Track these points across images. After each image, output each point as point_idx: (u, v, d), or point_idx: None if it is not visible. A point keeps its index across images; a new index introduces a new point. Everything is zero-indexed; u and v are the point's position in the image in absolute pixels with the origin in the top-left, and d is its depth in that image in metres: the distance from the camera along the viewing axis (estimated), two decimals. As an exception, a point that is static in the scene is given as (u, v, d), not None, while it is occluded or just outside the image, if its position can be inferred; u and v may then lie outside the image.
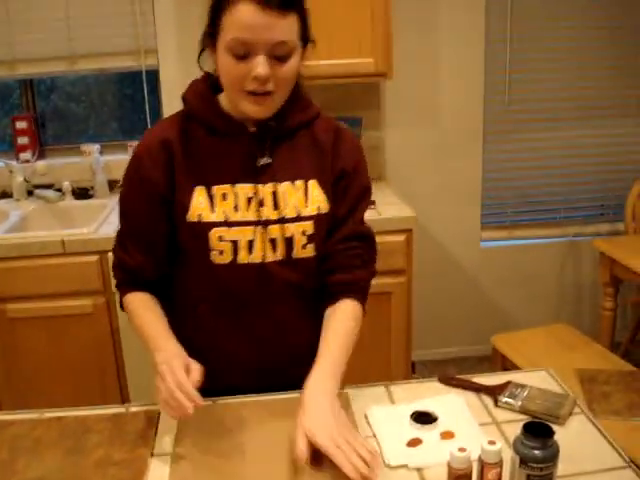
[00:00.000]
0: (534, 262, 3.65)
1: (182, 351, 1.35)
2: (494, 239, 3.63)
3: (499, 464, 1.08)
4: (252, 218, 1.39)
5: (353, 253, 1.50)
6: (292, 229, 1.41)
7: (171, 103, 3.13)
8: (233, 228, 1.39)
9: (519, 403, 1.38)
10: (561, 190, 3.63)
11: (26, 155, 3.22)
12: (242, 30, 1.26)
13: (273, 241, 1.41)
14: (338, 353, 1.39)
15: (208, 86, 1.45)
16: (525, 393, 1.42)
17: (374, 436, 1.31)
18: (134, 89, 3.44)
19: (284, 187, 1.42)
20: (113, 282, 2.64)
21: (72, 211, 3.03)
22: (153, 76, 3.20)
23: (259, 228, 1.40)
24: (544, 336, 2.89)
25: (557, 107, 3.48)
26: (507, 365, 2.72)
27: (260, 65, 1.28)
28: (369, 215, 2.64)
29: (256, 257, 1.40)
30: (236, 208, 1.39)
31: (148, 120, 3.24)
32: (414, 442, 1.27)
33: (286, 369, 1.47)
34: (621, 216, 3.44)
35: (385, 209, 2.78)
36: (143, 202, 1.44)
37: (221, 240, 1.38)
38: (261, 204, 1.40)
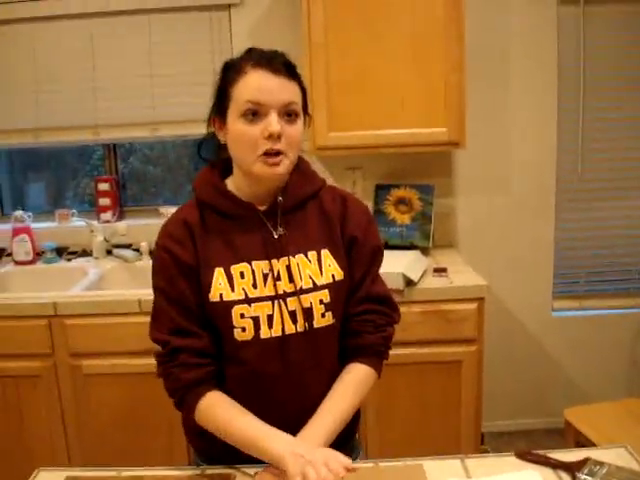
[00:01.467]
0: (607, 333, 3.56)
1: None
2: (566, 309, 3.56)
3: None
4: (270, 293, 1.45)
5: (365, 318, 1.54)
6: (309, 299, 1.46)
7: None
8: (253, 304, 1.43)
9: (599, 482, 1.35)
10: (636, 260, 3.56)
11: (107, 215, 3.34)
12: (256, 92, 1.38)
13: (292, 313, 1.45)
14: (332, 418, 1.45)
15: (215, 173, 1.54)
16: (604, 470, 1.38)
17: (450, 510, 1.29)
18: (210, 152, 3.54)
19: (297, 259, 1.47)
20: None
21: (149, 271, 3.09)
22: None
23: (277, 302, 1.44)
24: (618, 410, 2.80)
25: (631, 177, 3.44)
26: (580, 439, 2.64)
27: (273, 122, 1.37)
28: (441, 283, 2.71)
29: (276, 331, 1.45)
30: (254, 285, 1.44)
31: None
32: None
33: None
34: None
35: (457, 277, 2.77)
36: (185, 282, 1.45)
37: (242, 317, 1.43)
38: (277, 278, 1.45)
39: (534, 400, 3.58)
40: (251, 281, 1.44)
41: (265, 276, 1.45)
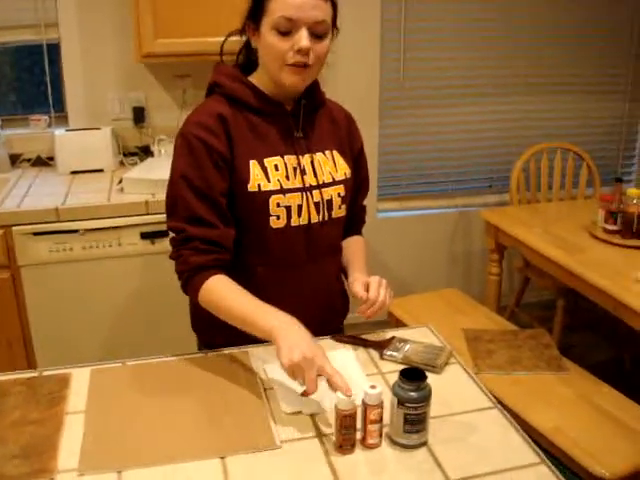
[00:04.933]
0: (427, 231, 3.84)
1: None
2: (389, 210, 3.79)
3: (380, 405, 1.22)
4: (299, 185, 1.61)
5: (361, 217, 1.96)
6: (330, 192, 1.66)
7: (73, 76, 3.15)
8: (287, 195, 1.59)
9: (401, 355, 1.55)
10: (452, 164, 3.83)
11: None
12: (290, 9, 1.46)
13: (317, 204, 1.64)
14: (364, 261, 1.82)
15: (239, 71, 1.64)
16: (407, 347, 1.59)
17: (272, 388, 1.43)
18: (31, 61, 3.39)
19: (319, 157, 1.67)
20: (34, 257, 2.66)
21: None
22: (51, 49, 3.19)
23: (304, 194, 1.61)
24: (435, 300, 3.06)
25: (449, 85, 3.66)
26: (400, 327, 2.87)
27: (303, 38, 1.48)
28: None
29: (304, 219, 1.62)
30: (287, 177, 1.59)
31: (49, 93, 3.23)
32: (307, 392, 1.40)
33: (324, 319, 1.75)
34: (507, 188, 3.66)
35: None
36: (213, 171, 1.54)
37: (278, 206, 1.58)
38: (303, 172, 1.62)
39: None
40: (284, 173, 1.59)
41: (294, 169, 1.60)
